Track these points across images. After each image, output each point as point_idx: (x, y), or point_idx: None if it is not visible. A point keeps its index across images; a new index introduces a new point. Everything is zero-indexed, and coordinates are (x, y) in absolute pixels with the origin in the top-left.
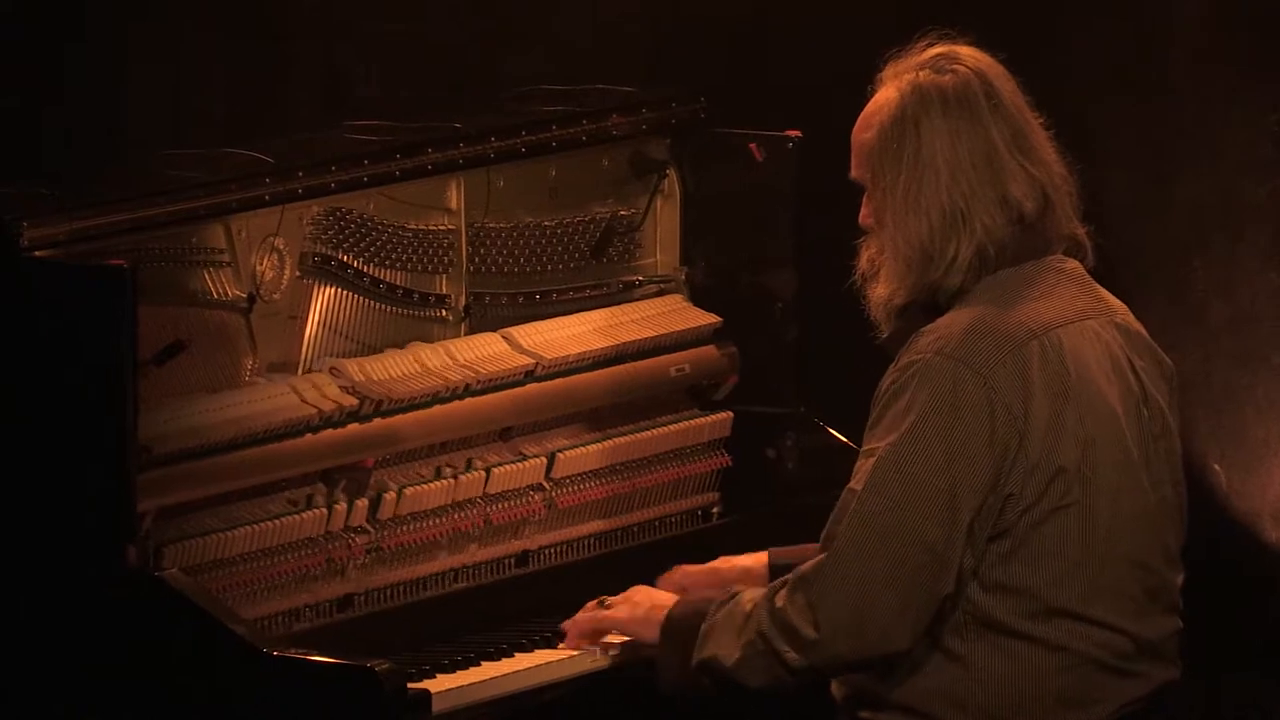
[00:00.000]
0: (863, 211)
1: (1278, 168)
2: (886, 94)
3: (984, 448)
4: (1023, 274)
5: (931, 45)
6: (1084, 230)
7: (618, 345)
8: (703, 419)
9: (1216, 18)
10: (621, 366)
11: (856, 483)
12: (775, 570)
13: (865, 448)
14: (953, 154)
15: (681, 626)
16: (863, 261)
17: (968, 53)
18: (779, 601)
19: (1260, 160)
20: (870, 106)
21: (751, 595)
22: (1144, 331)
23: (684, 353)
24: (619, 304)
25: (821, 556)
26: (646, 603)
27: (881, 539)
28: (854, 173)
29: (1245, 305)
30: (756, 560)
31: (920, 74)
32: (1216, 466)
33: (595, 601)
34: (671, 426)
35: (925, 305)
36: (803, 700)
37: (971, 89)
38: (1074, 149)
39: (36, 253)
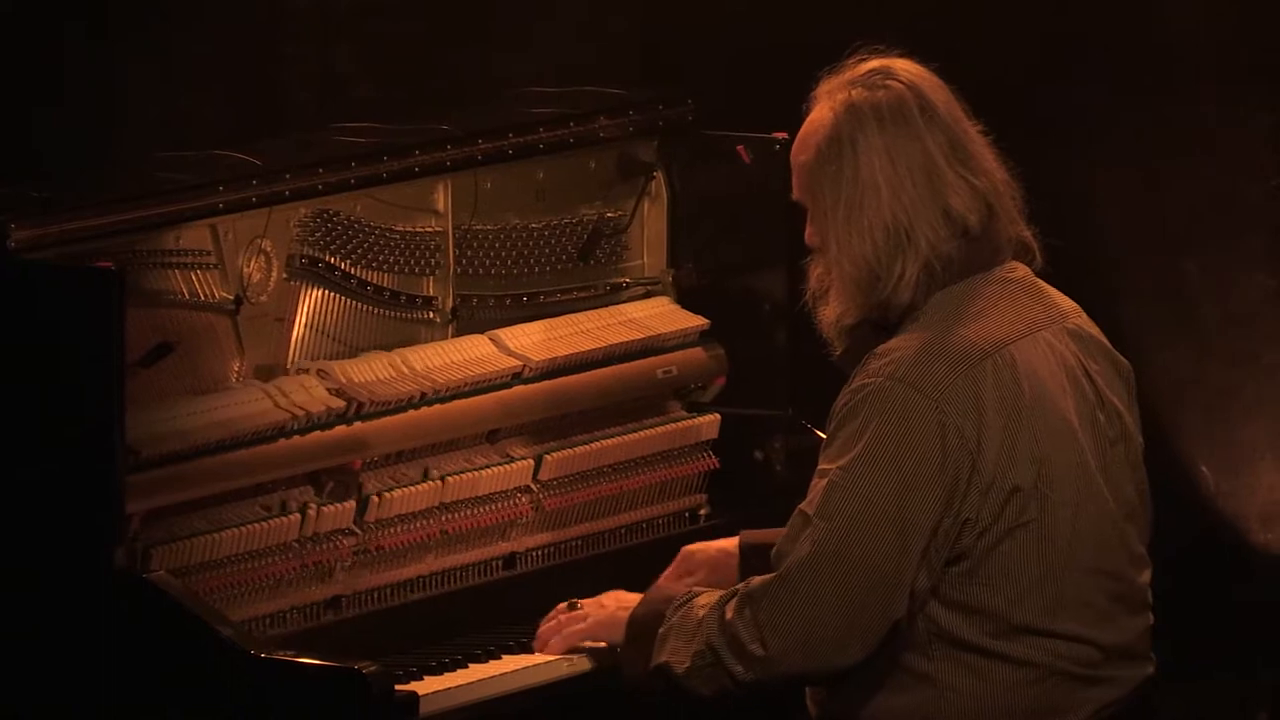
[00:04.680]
0: (808, 231)
1: (1272, 169)
2: (821, 113)
3: (934, 473)
4: (973, 288)
5: (864, 60)
6: (1030, 232)
7: (605, 347)
8: (690, 421)
9: (1214, 18)
10: (609, 369)
11: (808, 505)
12: (745, 553)
13: (819, 468)
14: (891, 171)
15: (643, 629)
16: (811, 281)
17: (901, 66)
18: (728, 614)
19: (1255, 161)
20: (806, 127)
21: (705, 600)
22: (1098, 333)
23: (671, 355)
24: (606, 306)
25: (771, 575)
26: (613, 605)
27: (830, 562)
28: (795, 194)
29: (1238, 306)
30: (729, 543)
31: (853, 91)
32: (1204, 468)
33: (565, 604)
34: (659, 429)
35: (876, 323)
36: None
37: (906, 103)
38: (1070, 148)
39: (24, 254)
